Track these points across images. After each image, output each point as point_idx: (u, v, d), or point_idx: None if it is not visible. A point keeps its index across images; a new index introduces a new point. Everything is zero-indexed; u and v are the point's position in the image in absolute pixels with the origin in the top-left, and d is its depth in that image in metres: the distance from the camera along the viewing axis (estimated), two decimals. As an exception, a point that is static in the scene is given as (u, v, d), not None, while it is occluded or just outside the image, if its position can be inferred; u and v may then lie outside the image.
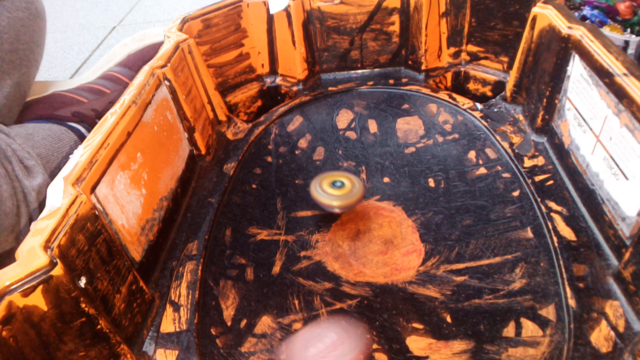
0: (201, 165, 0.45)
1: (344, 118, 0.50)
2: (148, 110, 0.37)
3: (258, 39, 0.54)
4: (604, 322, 0.28)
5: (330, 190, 0.36)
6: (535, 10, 0.42)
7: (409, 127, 0.48)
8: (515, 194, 0.39)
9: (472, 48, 0.52)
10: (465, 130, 0.46)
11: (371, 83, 0.54)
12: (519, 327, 0.30)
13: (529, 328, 0.30)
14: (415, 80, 0.54)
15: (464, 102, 0.49)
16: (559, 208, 0.36)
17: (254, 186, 0.43)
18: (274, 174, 0.44)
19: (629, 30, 0.62)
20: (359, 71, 0.56)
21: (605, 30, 0.62)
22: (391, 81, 0.54)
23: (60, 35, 1.06)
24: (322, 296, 0.33)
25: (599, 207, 0.34)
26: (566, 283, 0.31)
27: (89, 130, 0.51)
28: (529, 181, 0.39)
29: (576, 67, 0.37)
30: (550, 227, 0.35)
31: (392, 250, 0.36)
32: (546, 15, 0.41)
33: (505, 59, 0.50)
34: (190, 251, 0.37)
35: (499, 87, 0.51)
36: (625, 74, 0.30)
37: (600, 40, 0.34)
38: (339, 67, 0.56)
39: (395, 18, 0.53)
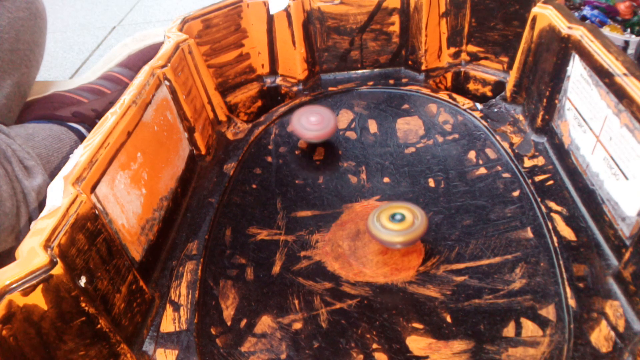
0: (201, 165, 0.45)
1: (344, 118, 0.50)
2: (148, 110, 0.37)
3: (258, 39, 0.54)
4: (604, 322, 0.28)
5: (391, 225, 0.33)
6: (535, 10, 0.42)
7: (409, 127, 0.48)
8: (515, 194, 0.39)
9: (472, 48, 0.52)
10: (465, 130, 0.46)
11: (371, 83, 0.54)
12: (519, 327, 0.30)
13: (529, 328, 0.30)
14: (415, 80, 0.54)
15: (464, 102, 0.49)
16: (559, 208, 0.36)
17: (254, 186, 0.43)
18: (274, 174, 0.44)
19: (629, 30, 0.63)
20: (359, 71, 0.56)
21: (605, 30, 0.62)
22: (391, 81, 0.54)
23: (60, 35, 1.06)
24: (322, 296, 0.33)
25: (599, 207, 0.34)
26: (566, 283, 0.31)
27: (89, 131, 0.51)
28: (529, 181, 0.39)
29: (576, 67, 0.37)
30: (550, 227, 0.35)
31: (392, 250, 0.36)
32: (546, 16, 0.41)
33: (505, 59, 0.50)
34: (190, 251, 0.37)
35: (499, 87, 0.51)
36: (625, 74, 0.30)
37: (600, 41, 0.34)
38: (339, 67, 0.56)
39: (395, 18, 0.53)
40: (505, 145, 0.43)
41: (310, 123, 0.44)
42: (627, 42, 0.59)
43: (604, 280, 0.31)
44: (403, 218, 0.34)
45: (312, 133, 0.44)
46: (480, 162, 0.42)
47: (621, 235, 0.31)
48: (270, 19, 0.52)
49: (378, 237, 0.33)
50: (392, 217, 0.34)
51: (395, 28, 0.54)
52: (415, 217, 0.34)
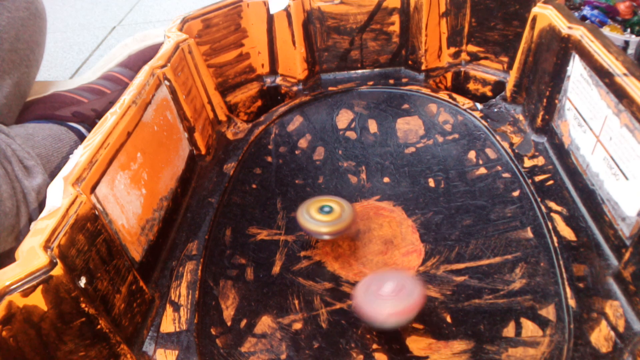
0: (201, 165, 0.45)
1: (344, 118, 0.50)
2: (148, 110, 0.37)
3: (258, 39, 0.54)
4: (604, 322, 0.28)
5: (319, 217, 0.35)
6: (535, 10, 0.42)
7: (409, 127, 0.48)
8: (515, 194, 0.39)
9: (472, 48, 0.52)
10: (465, 130, 0.46)
11: (371, 83, 0.54)
12: (519, 327, 0.30)
13: (529, 328, 0.30)
14: (415, 80, 0.54)
15: (464, 102, 0.49)
16: (559, 208, 0.36)
17: (254, 186, 0.43)
18: (274, 174, 0.44)
19: (629, 30, 0.62)
20: (359, 71, 0.56)
21: (605, 30, 0.62)
22: (391, 81, 0.54)
23: (60, 35, 1.06)
24: (322, 296, 0.33)
25: (599, 207, 0.34)
26: (566, 283, 0.31)
27: (89, 131, 0.51)
28: (529, 181, 0.39)
29: (576, 67, 0.37)
30: (550, 227, 0.35)
31: (392, 250, 0.36)
32: (546, 16, 0.41)
33: (505, 59, 0.50)
34: (190, 251, 0.37)
35: (499, 87, 0.51)
36: (625, 74, 0.30)
37: (600, 41, 0.34)
38: (339, 67, 0.56)
39: (396, 18, 0.53)
40: (505, 145, 0.43)
41: (384, 293, 0.29)
42: (627, 42, 0.59)
43: (604, 280, 0.31)
44: (331, 210, 0.35)
45: (389, 308, 0.29)
46: (480, 162, 0.42)
47: (621, 235, 0.31)
48: (270, 19, 0.52)
49: (305, 227, 0.35)
50: (321, 209, 0.35)
51: (395, 28, 0.53)
52: (342, 210, 0.35)
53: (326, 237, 0.36)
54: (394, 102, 0.51)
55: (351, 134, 0.48)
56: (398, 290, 0.29)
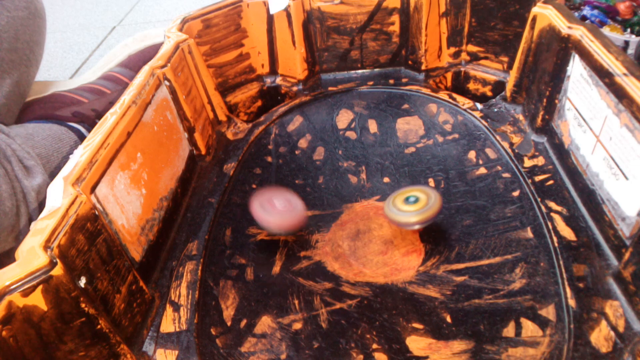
0: (201, 165, 0.45)
1: (344, 118, 0.50)
2: (148, 110, 0.37)
3: (258, 39, 0.54)
4: (604, 322, 0.28)
5: (406, 207, 0.35)
6: (535, 10, 0.42)
7: (409, 127, 0.48)
8: (515, 194, 0.39)
9: (472, 48, 0.52)
10: (465, 130, 0.46)
11: (371, 83, 0.54)
12: (519, 327, 0.30)
13: (529, 328, 0.30)
14: (415, 80, 0.54)
15: (464, 102, 0.49)
16: (559, 208, 0.36)
17: (254, 186, 0.43)
18: (274, 174, 0.44)
19: (629, 30, 0.62)
20: (359, 71, 0.56)
21: (605, 30, 0.62)
22: (391, 81, 0.54)
23: (60, 35, 1.06)
24: (322, 296, 0.33)
25: (599, 207, 0.34)
26: (566, 283, 0.31)
27: (89, 131, 0.51)
28: (529, 181, 0.39)
29: (576, 67, 0.37)
30: (550, 227, 0.35)
31: (392, 250, 0.36)
32: (546, 15, 0.41)
33: (505, 59, 0.50)
34: (190, 251, 0.37)
35: (499, 87, 0.51)
36: (625, 74, 0.30)
37: (600, 40, 0.34)
38: (339, 67, 0.56)
39: (395, 18, 0.53)
40: (505, 145, 0.43)
41: (275, 207, 0.37)
42: (627, 42, 0.59)
43: (604, 280, 0.31)
44: (417, 200, 0.35)
45: (275, 218, 0.36)
46: (480, 162, 0.42)
47: (621, 235, 0.31)
48: (270, 19, 0.52)
49: (395, 220, 0.35)
50: (407, 200, 0.36)
51: (395, 28, 0.53)
52: (429, 198, 0.36)
53: (417, 227, 0.36)
54: (394, 102, 0.51)
55: (351, 134, 0.48)
56: (287, 206, 0.37)
